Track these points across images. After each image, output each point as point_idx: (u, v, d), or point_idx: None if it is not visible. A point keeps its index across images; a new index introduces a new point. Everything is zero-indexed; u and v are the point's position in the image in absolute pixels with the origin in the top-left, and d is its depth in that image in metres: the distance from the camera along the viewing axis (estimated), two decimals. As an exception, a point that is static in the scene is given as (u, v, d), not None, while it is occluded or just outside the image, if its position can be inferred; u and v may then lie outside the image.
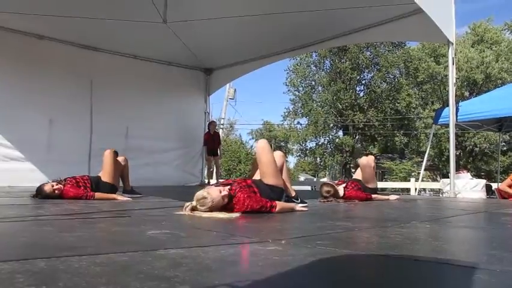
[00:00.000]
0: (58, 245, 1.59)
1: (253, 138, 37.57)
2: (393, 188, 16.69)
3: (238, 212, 2.79)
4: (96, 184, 4.31)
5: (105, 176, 4.44)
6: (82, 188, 4.18)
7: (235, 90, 23.11)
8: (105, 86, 8.16)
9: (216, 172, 10.33)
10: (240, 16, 6.80)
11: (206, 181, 9.84)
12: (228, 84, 18.62)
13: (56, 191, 4.01)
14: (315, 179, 30.72)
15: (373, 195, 4.85)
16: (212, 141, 9.49)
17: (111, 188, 4.39)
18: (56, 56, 7.68)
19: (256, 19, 6.90)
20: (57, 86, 7.60)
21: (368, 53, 27.81)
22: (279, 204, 2.90)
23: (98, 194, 4.12)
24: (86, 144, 7.96)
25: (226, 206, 2.81)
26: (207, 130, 9.68)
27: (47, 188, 4.01)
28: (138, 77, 8.68)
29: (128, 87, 8.48)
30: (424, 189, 15.74)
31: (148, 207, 3.44)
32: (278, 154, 3.46)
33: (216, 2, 6.71)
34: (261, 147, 3.29)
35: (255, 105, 61.11)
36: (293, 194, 3.64)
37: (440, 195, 8.63)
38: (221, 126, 22.33)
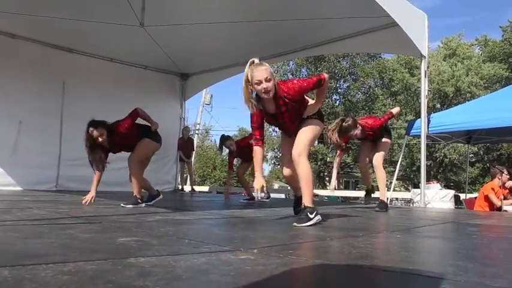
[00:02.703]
0: (24, 252, 1.54)
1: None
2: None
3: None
4: None
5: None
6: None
7: (211, 96, 23.06)
8: (78, 89, 7.98)
9: (189, 178, 10.28)
10: (217, 23, 6.81)
11: (180, 187, 9.79)
12: (204, 90, 18.55)
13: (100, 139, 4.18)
14: (288, 187, 30.78)
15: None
16: (185, 147, 9.54)
17: None
18: (29, 55, 7.48)
19: (234, 26, 6.93)
20: (28, 86, 7.39)
21: (344, 63, 28.25)
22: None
23: (98, 175, 4.28)
24: (55, 148, 7.76)
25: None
26: (181, 135, 9.70)
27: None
28: (113, 81, 8.55)
29: (102, 91, 8.30)
30: (397, 199, 16.04)
31: (120, 213, 3.38)
32: None
33: (194, 7, 6.69)
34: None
35: (230, 111, 60.96)
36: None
37: (411, 205, 8.82)
38: (196, 132, 22.18)
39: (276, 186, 31.21)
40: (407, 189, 25.39)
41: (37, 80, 7.55)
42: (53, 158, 7.70)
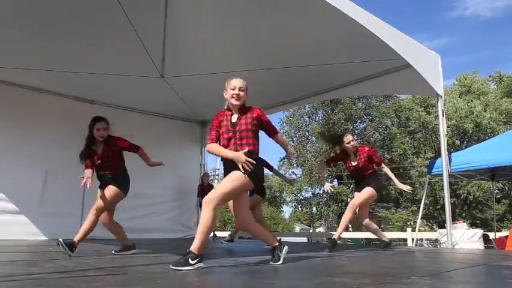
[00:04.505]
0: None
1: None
2: (390, 239, 16.43)
3: None
4: None
5: None
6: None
7: (230, 140, 23.25)
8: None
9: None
10: (234, 71, 6.98)
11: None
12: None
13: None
14: (310, 230, 30.24)
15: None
16: (205, 193, 9.56)
17: None
18: (54, 108, 7.79)
19: (249, 74, 7.10)
20: (54, 138, 7.63)
21: (360, 104, 28.41)
22: None
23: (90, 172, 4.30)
24: (79, 196, 7.89)
25: None
26: (201, 182, 9.74)
27: None
28: (134, 130, 8.64)
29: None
30: (421, 239, 15.56)
31: (144, 263, 3.38)
32: None
33: (211, 57, 6.93)
34: None
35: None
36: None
37: (438, 246, 8.55)
38: (216, 177, 22.21)
39: (297, 229, 30.65)
40: (432, 229, 24.65)
41: (63, 131, 7.77)
42: (76, 206, 7.81)
